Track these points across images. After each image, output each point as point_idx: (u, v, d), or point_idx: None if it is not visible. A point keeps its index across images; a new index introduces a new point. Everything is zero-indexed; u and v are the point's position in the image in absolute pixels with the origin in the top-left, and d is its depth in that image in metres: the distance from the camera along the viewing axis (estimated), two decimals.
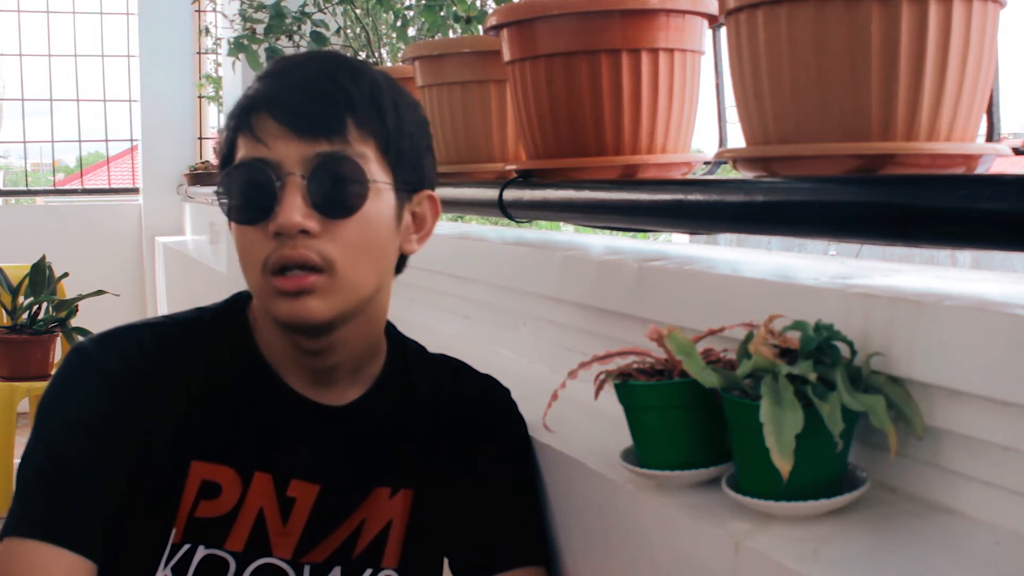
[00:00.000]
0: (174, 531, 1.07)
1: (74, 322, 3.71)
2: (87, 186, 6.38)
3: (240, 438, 1.09)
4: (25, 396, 3.59)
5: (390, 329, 1.19)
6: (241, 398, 1.10)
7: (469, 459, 1.18)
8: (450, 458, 1.17)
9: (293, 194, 1.01)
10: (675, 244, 2.50)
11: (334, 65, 1.07)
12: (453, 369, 1.23)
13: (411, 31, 2.75)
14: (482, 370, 1.25)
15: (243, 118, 1.05)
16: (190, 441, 1.08)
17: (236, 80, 3.46)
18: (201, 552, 1.07)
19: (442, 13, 2.36)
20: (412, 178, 1.10)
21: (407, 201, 1.11)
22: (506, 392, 1.24)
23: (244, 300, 1.16)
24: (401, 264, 1.15)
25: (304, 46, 2.75)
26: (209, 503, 1.08)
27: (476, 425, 1.19)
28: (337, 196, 1.02)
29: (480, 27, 2.31)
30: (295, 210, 1.00)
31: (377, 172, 1.05)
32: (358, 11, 2.85)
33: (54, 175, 7.47)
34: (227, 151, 1.07)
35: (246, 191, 1.03)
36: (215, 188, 1.08)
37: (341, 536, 1.12)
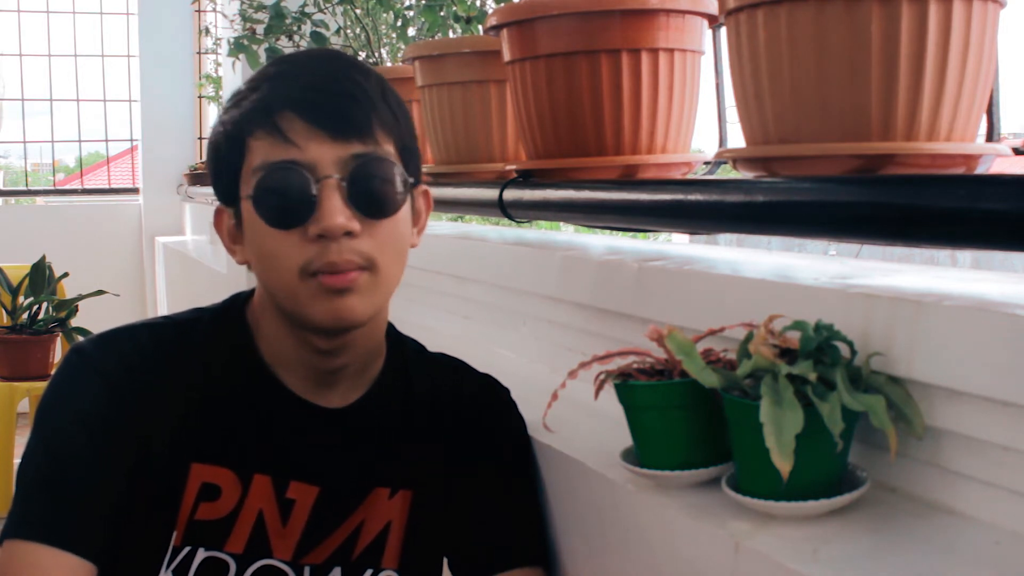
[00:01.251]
0: (175, 533, 1.07)
1: (74, 322, 3.71)
2: (87, 186, 6.38)
3: (239, 440, 1.09)
4: (25, 396, 3.59)
5: (389, 329, 1.20)
6: (240, 400, 1.10)
7: (468, 459, 1.18)
8: (449, 458, 1.17)
9: (333, 196, 1.00)
10: (675, 244, 2.50)
11: (344, 64, 1.07)
12: (452, 368, 1.23)
13: (411, 31, 2.75)
14: (482, 370, 1.25)
15: (264, 118, 1.02)
16: (189, 443, 1.08)
17: (236, 80, 3.46)
18: (201, 554, 1.07)
19: (442, 13, 2.36)
20: (415, 173, 1.11)
21: (412, 196, 1.12)
22: (505, 392, 1.24)
23: (243, 301, 1.16)
24: None
25: (304, 46, 2.75)
26: (209, 505, 1.08)
27: (475, 425, 1.19)
28: (379, 197, 1.03)
29: (480, 27, 2.31)
30: (338, 212, 1.00)
31: (402, 170, 1.06)
32: (358, 11, 2.84)
33: (54, 175, 7.48)
34: (233, 153, 1.05)
35: (282, 195, 1.02)
36: (212, 182, 1.07)
37: (341, 537, 1.12)
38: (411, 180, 1.09)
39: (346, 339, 1.08)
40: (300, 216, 1.01)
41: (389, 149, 1.05)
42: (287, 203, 1.01)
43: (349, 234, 1.01)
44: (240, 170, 1.05)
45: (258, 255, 1.05)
